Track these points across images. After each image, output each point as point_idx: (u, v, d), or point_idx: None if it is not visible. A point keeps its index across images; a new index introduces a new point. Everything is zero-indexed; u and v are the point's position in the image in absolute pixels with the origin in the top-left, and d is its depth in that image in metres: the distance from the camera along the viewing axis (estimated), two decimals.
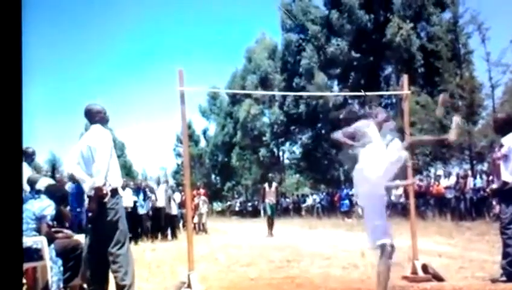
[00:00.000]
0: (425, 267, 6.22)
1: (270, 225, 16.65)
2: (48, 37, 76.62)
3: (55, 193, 5.99)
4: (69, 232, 6.06)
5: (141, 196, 15.92)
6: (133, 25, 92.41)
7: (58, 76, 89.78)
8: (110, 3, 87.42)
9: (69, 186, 10.51)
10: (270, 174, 22.42)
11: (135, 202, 15.62)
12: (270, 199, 17.11)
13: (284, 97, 39.34)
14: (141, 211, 15.76)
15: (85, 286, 5.42)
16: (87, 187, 5.21)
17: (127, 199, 15.10)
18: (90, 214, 5.22)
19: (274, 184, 18.02)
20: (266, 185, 17.79)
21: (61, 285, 5.47)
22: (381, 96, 35.00)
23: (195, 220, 19.04)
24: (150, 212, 16.07)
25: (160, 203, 16.30)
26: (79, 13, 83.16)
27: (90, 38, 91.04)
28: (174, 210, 17.00)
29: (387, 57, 33.73)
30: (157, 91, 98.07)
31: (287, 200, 37.91)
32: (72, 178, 10.28)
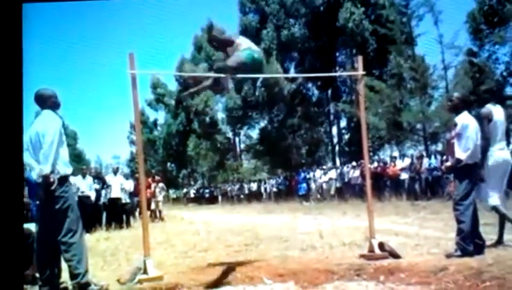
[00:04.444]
0: (381, 245, 6.27)
1: None
2: None
3: None
4: None
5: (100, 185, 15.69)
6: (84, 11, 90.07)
7: None
8: None
9: None
10: None
11: (97, 190, 15.39)
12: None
13: (241, 82, 39.13)
14: (102, 199, 15.59)
15: (37, 275, 5.27)
16: (35, 174, 5.10)
17: (87, 187, 14.85)
18: (38, 203, 5.11)
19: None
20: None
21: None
22: (335, 79, 35.31)
23: (152, 207, 18.66)
24: (105, 202, 15.74)
25: (116, 193, 15.90)
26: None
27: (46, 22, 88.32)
28: (125, 198, 16.48)
29: (341, 41, 33.98)
30: (110, 78, 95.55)
31: (245, 185, 37.83)
32: None
